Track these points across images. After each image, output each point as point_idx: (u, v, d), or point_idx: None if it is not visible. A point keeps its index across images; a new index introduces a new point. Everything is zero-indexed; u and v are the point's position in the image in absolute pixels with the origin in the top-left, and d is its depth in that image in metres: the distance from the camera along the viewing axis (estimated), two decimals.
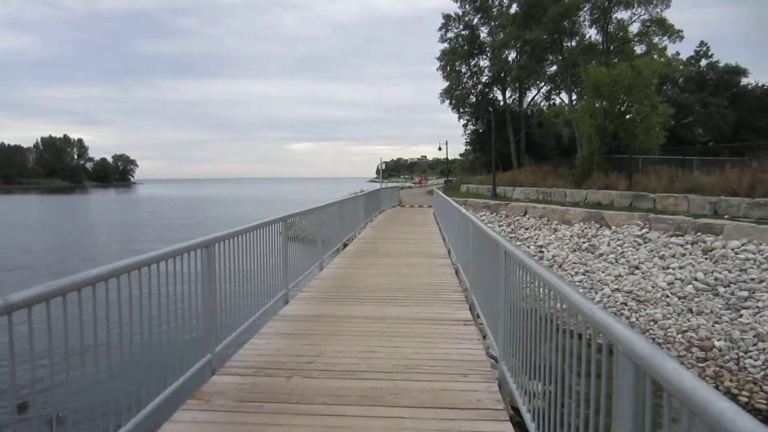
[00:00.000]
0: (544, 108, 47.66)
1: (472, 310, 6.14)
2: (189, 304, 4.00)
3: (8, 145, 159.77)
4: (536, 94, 46.99)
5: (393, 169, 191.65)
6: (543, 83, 44.74)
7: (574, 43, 36.54)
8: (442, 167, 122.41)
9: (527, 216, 20.59)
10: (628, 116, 23.63)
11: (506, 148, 42.76)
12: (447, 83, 46.18)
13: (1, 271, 18.72)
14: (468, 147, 52.70)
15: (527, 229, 19.04)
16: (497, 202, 24.02)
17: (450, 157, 62.70)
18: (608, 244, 14.72)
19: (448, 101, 46.69)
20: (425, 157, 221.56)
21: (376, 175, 44.37)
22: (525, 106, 47.05)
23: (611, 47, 34.69)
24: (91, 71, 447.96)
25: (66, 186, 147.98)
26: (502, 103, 46.27)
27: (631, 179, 20.18)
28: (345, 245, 12.43)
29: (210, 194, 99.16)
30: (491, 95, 47.67)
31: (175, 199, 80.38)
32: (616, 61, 30.74)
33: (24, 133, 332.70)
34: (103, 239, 30.84)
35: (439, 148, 54.27)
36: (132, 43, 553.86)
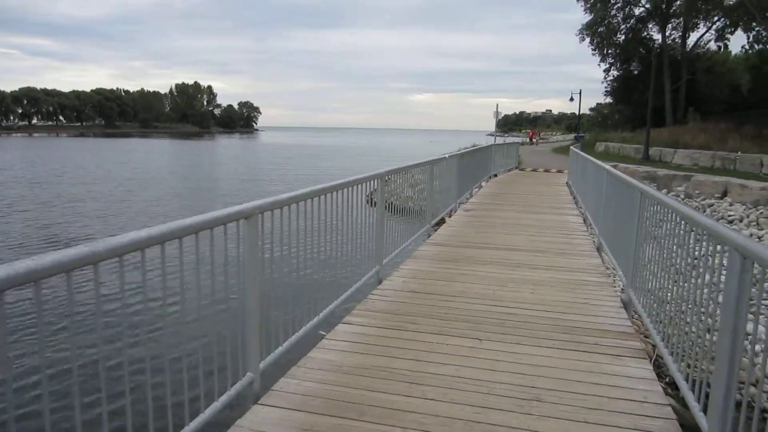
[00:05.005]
0: (713, 49, 37.46)
1: None
2: (362, 225, 4.69)
3: (148, 91, 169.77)
4: (705, 32, 36.74)
5: (515, 123, 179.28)
6: (718, 18, 34.50)
7: None
8: (569, 122, 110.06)
9: (729, 200, 13.16)
10: None
11: (659, 100, 33.93)
12: (590, 16, 37.27)
13: (229, 195, 24.20)
14: (608, 98, 43.62)
15: (731, 222, 11.74)
16: (669, 173, 16.45)
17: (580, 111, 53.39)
18: None
19: (589, 39, 37.92)
20: (550, 111, 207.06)
21: (496, 129, 37.67)
22: (688, 48, 37.07)
23: None
24: (229, 23, 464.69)
25: (195, 131, 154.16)
26: (659, 43, 36.73)
27: None
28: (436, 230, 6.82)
29: (322, 144, 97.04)
30: (645, 33, 38.18)
31: (290, 147, 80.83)
32: None
33: (166, 81, 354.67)
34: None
35: (571, 99, 45.82)
36: None
